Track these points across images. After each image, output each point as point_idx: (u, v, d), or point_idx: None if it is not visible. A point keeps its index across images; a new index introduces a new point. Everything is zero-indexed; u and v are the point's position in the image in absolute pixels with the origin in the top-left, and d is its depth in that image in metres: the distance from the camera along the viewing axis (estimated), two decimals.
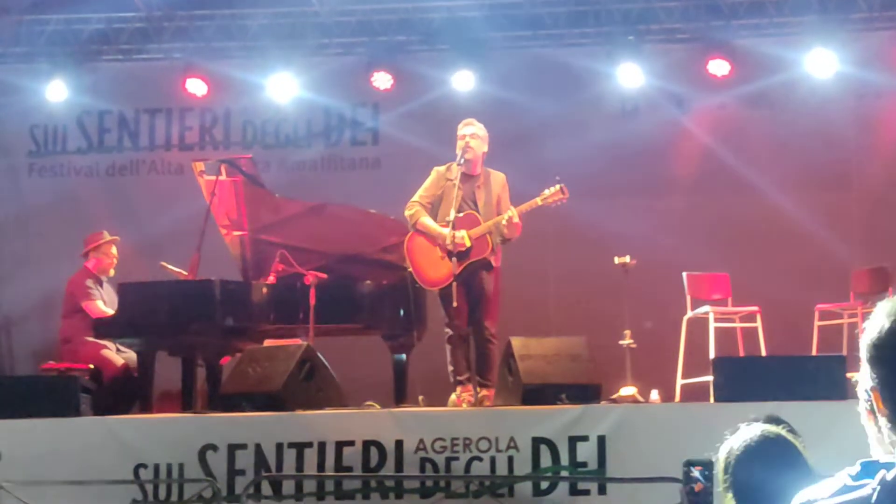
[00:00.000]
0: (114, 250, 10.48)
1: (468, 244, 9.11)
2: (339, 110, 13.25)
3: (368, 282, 9.69)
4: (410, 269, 9.37)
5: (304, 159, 13.23)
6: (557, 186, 9.22)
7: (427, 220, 9.31)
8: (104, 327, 9.69)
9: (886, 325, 2.45)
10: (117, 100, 13.27)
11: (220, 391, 9.37)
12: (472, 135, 9.38)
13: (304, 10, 12.78)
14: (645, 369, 9.77)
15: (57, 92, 12.92)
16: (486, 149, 9.47)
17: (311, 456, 8.23)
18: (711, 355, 9.83)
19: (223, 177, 9.91)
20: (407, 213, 9.40)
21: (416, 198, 9.42)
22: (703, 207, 12.30)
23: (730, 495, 3.37)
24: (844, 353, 9.65)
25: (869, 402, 2.43)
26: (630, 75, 12.36)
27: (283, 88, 12.80)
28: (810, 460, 3.35)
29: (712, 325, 10.31)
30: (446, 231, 9.09)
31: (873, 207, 12.13)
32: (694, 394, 9.93)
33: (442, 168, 9.48)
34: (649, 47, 12.46)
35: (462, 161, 9.28)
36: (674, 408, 9.17)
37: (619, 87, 12.51)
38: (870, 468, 2.29)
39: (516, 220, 9.15)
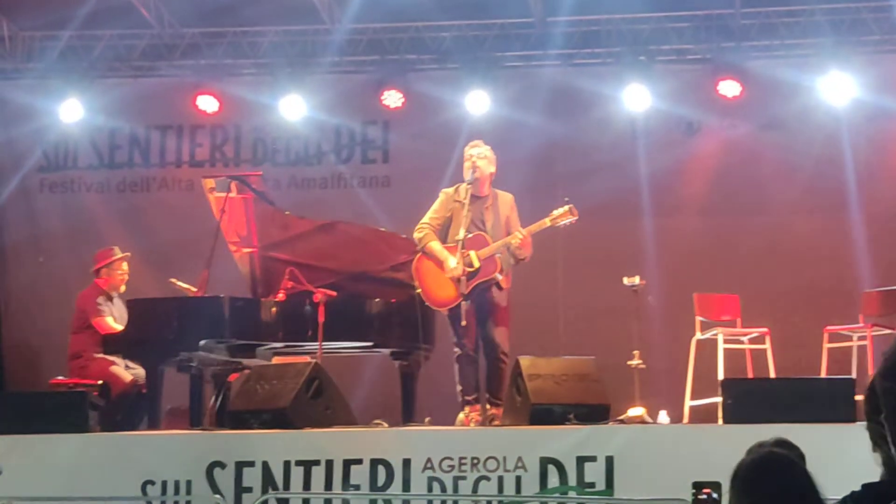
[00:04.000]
0: (125, 266, 10.49)
1: (476, 265, 9.11)
2: (350, 128, 13.29)
3: (377, 300, 9.68)
4: (419, 290, 9.37)
5: (315, 177, 13.26)
6: (567, 207, 9.22)
7: (435, 245, 9.30)
8: (113, 343, 9.70)
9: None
10: (128, 116, 13.31)
11: (228, 408, 9.36)
12: (479, 155, 9.38)
13: (316, 28, 12.82)
14: (653, 390, 9.76)
15: (68, 109, 12.97)
16: (493, 169, 9.46)
17: (318, 474, 8.21)
18: (720, 376, 9.81)
19: (233, 194, 9.92)
20: (416, 235, 9.40)
21: (425, 220, 9.42)
22: (713, 228, 12.30)
23: None
24: (854, 375, 9.62)
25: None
26: (640, 96, 12.37)
27: (293, 106, 12.83)
28: (819, 483, 3.34)
29: (721, 347, 10.29)
30: (452, 263, 9.09)
31: (884, 230, 12.11)
32: (702, 415, 9.91)
33: (450, 190, 9.48)
34: (660, 68, 12.47)
35: (470, 181, 9.28)
36: (682, 429, 9.14)
37: (628, 107, 12.52)
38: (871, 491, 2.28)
39: (522, 238, 9.14)
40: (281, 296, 9.57)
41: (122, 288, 10.45)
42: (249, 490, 8.24)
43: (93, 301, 10.21)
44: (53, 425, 8.66)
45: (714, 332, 10.40)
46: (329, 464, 8.23)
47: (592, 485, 8.00)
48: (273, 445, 8.37)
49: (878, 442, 2.52)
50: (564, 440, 8.16)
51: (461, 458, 8.15)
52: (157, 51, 13.15)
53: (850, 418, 7.92)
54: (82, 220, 13.12)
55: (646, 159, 12.45)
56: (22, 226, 13.28)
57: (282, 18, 12.77)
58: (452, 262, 9.09)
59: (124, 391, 9.88)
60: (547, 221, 9.24)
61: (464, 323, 9.02)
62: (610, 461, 8.00)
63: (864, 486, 2.48)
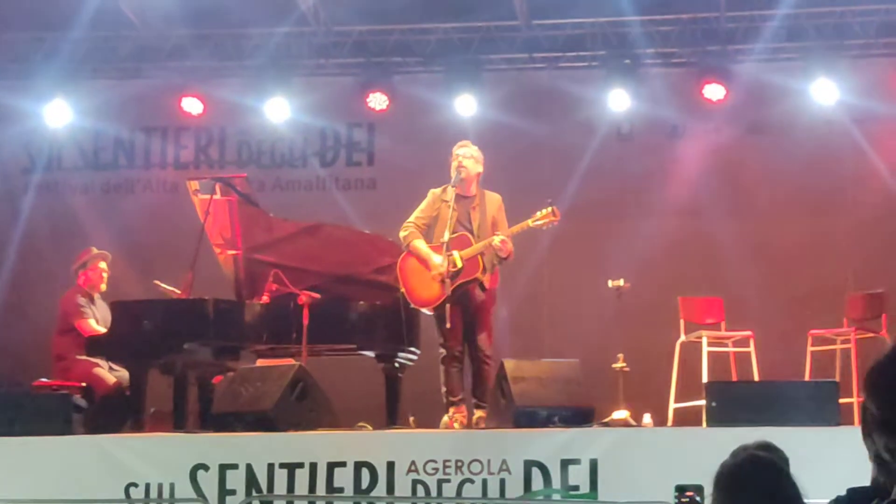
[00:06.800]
0: (103, 265, 10.44)
1: (459, 265, 9.11)
2: (335, 131, 13.27)
3: (362, 302, 9.67)
4: (403, 290, 9.36)
5: (300, 179, 13.24)
6: (549, 209, 9.22)
7: (419, 243, 9.30)
8: (96, 345, 9.67)
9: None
10: (113, 118, 13.27)
11: (212, 411, 9.34)
12: (466, 155, 9.38)
13: (301, 30, 12.80)
14: (638, 393, 9.76)
15: (53, 110, 12.93)
16: (480, 169, 9.47)
17: (302, 476, 8.21)
18: (704, 379, 9.82)
19: (218, 196, 9.89)
20: (401, 234, 9.40)
21: (411, 219, 9.42)
22: (698, 231, 12.31)
23: None
24: (837, 378, 9.64)
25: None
26: (625, 99, 12.37)
27: (278, 108, 12.80)
28: (801, 486, 3.34)
29: (705, 349, 10.30)
30: (437, 259, 9.09)
31: (868, 233, 12.13)
32: (686, 418, 9.91)
33: (437, 190, 9.48)
34: (645, 71, 12.48)
35: (456, 181, 9.28)
36: (666, 432, 9.16)
37: (614, 110, 12.52)
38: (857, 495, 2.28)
39: (508, 242, 9.14)
40: (265, 298, 9.56)
41: (103, 287, 10.40)
42: (233, 493, 8.23)
43: (75, 303, 10.17)
44: (36, 427, 8.64)
45: (698, 334, 10.41)
46: (313, 466, 8.22)
47: (576, 487, 8.01)
48: (257, 448, 8.36)
49: (867, 443, 2.53)
50: (548, 443, 8.16)
51: (445, 461, 8.15)
52: (141, 53, 13.12)
53: (834, 422, 7.95)
54: (67, 221, 13.07)
55: (631, 162, 12.46)
56: (6, 227, 13.22)
57: (267, 21, 12.75)
58: (437, 259, 9.09)
59: (108, 393, 9.84)
60: (529, 223, 9.24)
61: (448, 325, 9.02)
62: (594, 464, 8.01)
63: (849, 490, 2.48)
